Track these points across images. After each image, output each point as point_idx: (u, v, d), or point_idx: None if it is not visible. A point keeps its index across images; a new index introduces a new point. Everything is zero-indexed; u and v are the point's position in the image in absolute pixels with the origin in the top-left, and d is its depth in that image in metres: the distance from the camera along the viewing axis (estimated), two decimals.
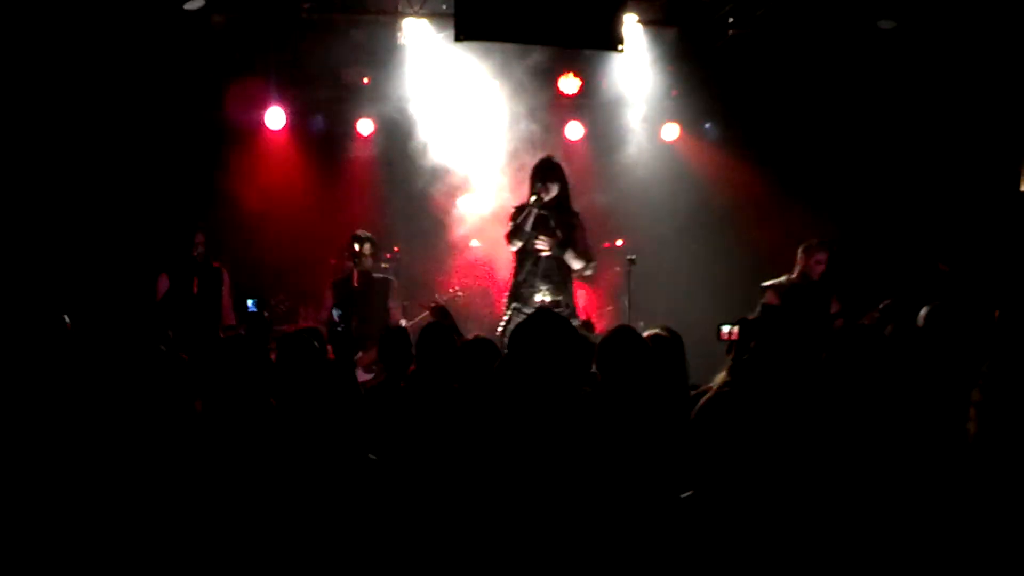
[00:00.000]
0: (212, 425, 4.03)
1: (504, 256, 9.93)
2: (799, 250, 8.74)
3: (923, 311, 5.92)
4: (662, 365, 4.89)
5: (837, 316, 8.45)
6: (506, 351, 4.41)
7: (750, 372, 4.76)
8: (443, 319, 7.07)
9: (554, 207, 8.19)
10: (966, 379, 3.76)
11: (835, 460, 3.76)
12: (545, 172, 8.25)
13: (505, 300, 8.38)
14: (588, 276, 8.85)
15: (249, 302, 6.18)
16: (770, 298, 8.53)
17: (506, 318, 8.20)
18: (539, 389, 3.51)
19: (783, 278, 8.64)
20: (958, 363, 4.84)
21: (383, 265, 10.00)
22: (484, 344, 5.22)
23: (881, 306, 8.39)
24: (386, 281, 8.95)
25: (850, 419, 3.98)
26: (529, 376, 3.52)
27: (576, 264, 8.24)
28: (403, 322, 8.55)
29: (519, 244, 8.20)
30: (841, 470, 3.72)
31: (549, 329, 3.59)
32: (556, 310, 7.63)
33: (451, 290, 9.06)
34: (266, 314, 6.34)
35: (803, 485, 3.79)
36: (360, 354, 8.03)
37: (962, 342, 5.29)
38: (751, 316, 5.51)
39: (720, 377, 5.16)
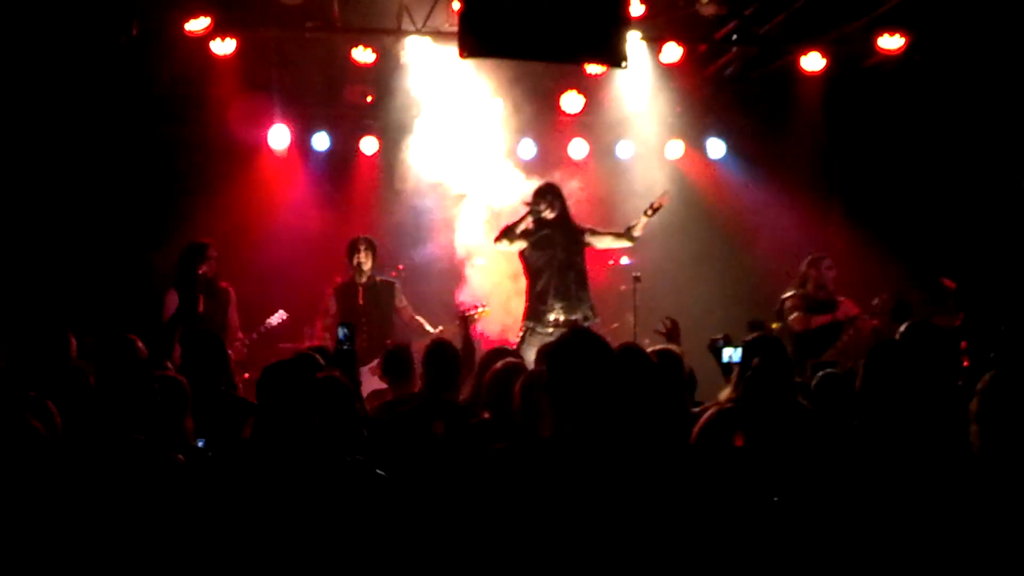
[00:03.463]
0: (221, 446, 4.01)
1: (506, 273, 9.94)
2: (804, 264, 8.73)
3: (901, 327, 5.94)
4: (668, 381, 4.88)
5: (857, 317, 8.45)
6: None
7: (753, 390, 4.75)
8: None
9: (560, 224, 8.21)
10: (965, 391, 3.76)
11: (840, 476, 3.74)
12: (548, 191, 8.29)
13: (523, 317, 8.43)
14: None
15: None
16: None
17: (521, 335, 8.22)
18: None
19: (797, 290, 8.62)
20: (955, 375, 4.84)
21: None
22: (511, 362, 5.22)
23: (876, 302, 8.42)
24: (390, 284, 8.90)
25: (855, 435, 3.97)
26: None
27: None
28: (420, 319, 8.52)
29: (507, 246, 8.23)
30: (845, 485, 3.69)
31: (589, 350, 3.43)
32: None
33: (478, 306, 9.00)
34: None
35: (808, 501, 3.77)
36: (375, 362, 7.98)
37: (949, 357, 5.29)
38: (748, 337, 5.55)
39: (725, 393, 5.15)
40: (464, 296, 9.68)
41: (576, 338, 3.38)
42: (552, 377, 3.27)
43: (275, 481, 3.64)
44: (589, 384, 3.21)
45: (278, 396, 3.76)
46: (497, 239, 8.33)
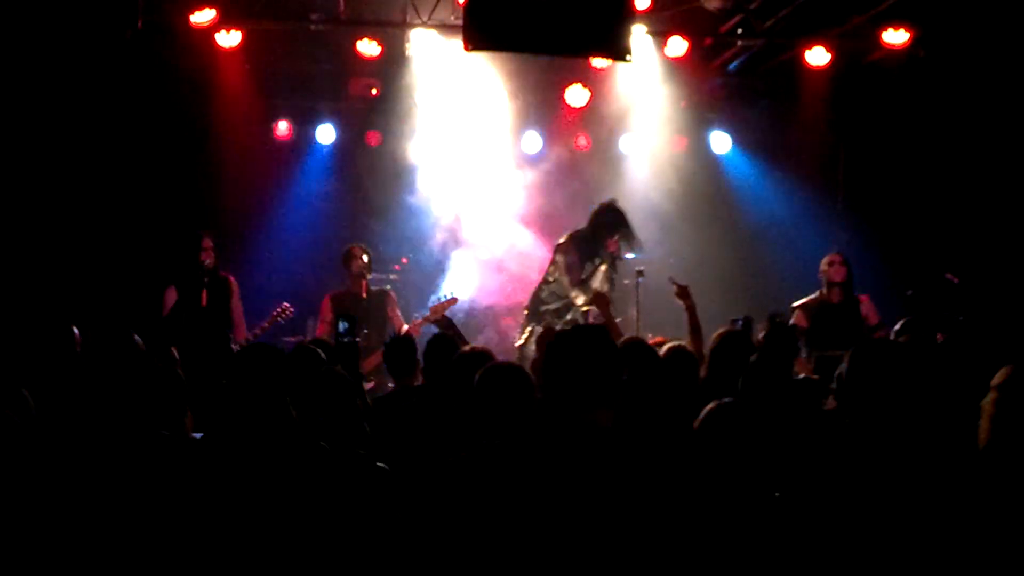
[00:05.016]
0: (220, 437, 4.01)
1: (514, 269, 9.96)
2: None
3: (897, 325, 5.92)
4: (678, 376, 4.87)
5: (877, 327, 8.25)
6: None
7: (756, 382, 4.75)
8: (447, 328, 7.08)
9: (614, 258, 8.27)
10: (976, 389, 3.75)
11: (845, 473, 3.74)
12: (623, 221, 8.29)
13: (524, 317, 8.37)
14: None
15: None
16: (799, 319, 8.41)
17: (525, 335, 8.19)
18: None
19: (813, 296, 8.54)
20: (967, 373, 4.83)
21: (391, 277, 9.98)
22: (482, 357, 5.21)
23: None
24: (383, 292, 9.02)
25: (862, 432, 3.96)
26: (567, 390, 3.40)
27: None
28: (405, 327, 8.56)
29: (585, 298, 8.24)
30: (851, 483, 3.69)
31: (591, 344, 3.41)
32: None
33: (444, 296, 9.00)
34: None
35: (812, 495, 3.77)
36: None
37: (967, 354, 5.27)
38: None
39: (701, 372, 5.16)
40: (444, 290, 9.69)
41: (580, 330, 3.39)
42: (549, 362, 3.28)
43: (255, 470, 3.64)
44: (585, 374, 3.21)
45: (247, 381, 3.78)
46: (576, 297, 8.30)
